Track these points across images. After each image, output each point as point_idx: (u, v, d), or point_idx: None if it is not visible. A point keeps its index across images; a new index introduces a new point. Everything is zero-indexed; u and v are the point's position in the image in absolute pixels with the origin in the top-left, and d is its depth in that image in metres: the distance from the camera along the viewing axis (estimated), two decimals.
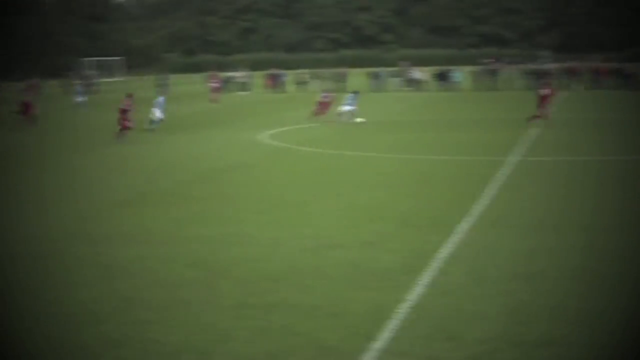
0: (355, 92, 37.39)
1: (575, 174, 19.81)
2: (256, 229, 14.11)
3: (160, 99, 34.92)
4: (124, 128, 29.65)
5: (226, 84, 67.00)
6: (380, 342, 8.41)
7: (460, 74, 64.20)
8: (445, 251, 12.06)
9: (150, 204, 16.98)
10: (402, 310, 9.37)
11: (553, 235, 13.04)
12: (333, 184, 19.03)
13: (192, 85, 74.91)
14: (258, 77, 72.45)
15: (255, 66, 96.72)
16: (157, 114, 33.94)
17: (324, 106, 35.95)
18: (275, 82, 68.43)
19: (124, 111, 29.89)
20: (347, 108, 35.33)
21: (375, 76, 66.36)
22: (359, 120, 34.48)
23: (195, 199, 17.35)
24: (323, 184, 19.01)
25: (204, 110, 46.37)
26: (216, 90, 55.89)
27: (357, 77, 69.78)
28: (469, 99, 52.13)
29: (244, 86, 68.98)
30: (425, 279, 10.62)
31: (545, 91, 32.18)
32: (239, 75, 73.17)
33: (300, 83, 68.69)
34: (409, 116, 38.87)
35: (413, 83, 64.37)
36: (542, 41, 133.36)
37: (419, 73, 65.75)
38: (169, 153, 25.98)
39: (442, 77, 64.26)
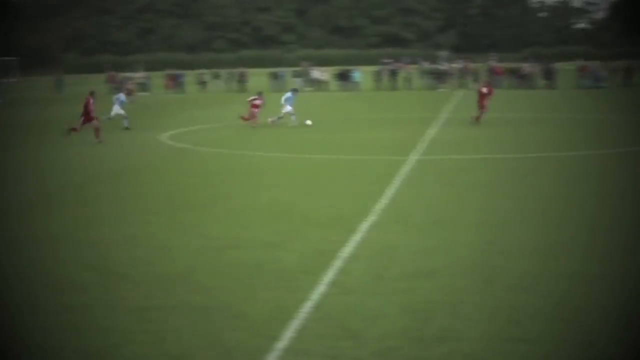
0: (294, 90, 36.18)
1: (472, 171, 20.17)
2: (156, 230, 13.97)
3: (121, 95, 34.71)
4: (87, 125, 28.93)
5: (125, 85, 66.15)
6: (283, 341, 8.41)
7: (360, 74, 64.77)
8: (346, 250, 12.14)
9: (47, 206, 16.64)
10: (305, 309, 9.40)
11: (452, 232, 13.25)
12: (234, 184, 18.96)
13: (95, 86, 73.56)
14: (157, 78, 71.74)
15: (154, 66, 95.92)
16: (117, 110, 33.96)
17: (255, 109, 33.72)
18: (174, 83, 67.89)
19: (88, 109, 28.88)
20: (288, 109, 33.75)
21: (276, 76, 66.44)
22: (308, 122, 33.11)
23: (94, 201, 17.07)
24: (224, 185, 18.93)
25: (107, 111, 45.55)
26: (129, 93, 54.51)
27: (258, 77, 69.80)
28: (370, 98, 52.63)
29: (143, 87, 68.22)
30: (327, 278, 10.67)
31: (484, 89, 32.82)
32: (137, 76, 72.35)
33: (200, 83, 68.31)
34: (310, 116, 38.92)
35: (314, 83, 64.68)
36: (440, 41, 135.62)
37: (320, 73, 66.08)
38: (72, 154, 25.50)
39: (342, 77, 64.75)
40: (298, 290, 10.11)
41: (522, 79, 60.85)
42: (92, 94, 29.74)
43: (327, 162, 22.70)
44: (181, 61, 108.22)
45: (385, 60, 75.84)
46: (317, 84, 64.13)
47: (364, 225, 13.84)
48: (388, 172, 19.95)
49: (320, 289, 10.20)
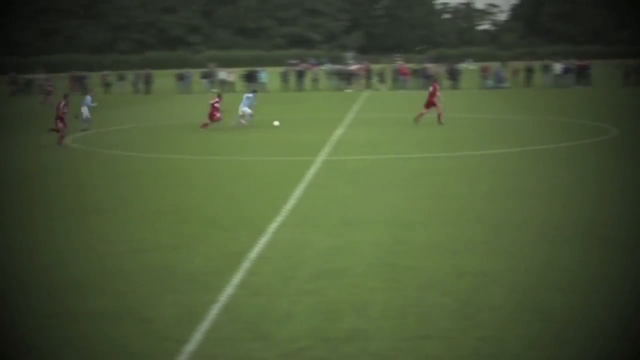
0: (254, 92, 35.43)
1: (379, 171, 20.35)
2: (62, 235, 13.71)
3: (88, 98, 33.82)
4: (59, 130, 27.61)
5: (28, 87, 64.88)
6: (191, 345, 8.36)
7: (267, 75, 64.70)
8: (255, 251, 12.12)
9: None
10: (213, 312, 9.35)
11: (360, 232, 13.35)
12: (141, 187, 18.75)
13: None
14: (60, 79, 70.41)
15: (57, 68, 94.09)
16: (86, 112, 32.98)
17: (217, 110, 32.22)
18: (78, 84, 66.67)
19: (62, 113, 27.56)
20: (247, 110, 32.90)
21: (182, 78, 65.91)
22: (276, 123, 32.19)
23: None
24: (131, 188, 18.69)
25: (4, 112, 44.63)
26: (49, 93, 52.91)
27: (163, 78, 69.14)
28: (277, 99, 52.57)
29: (42, 89, 66.76)
30: (235, 280, 10.64)
31: (431, 89, 33.11)
32: (39, 77, 70.83)
33: (105, 85, 67.30)
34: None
35: (221, 84, 64.33)
36: (346, 42, 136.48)
37: (227, 74, 65.78)
38: None
39: (249, 78, 64.54)
40: (206, 293, 10.06)
41: (427, 80, 61.64)
42: (65, 96, 28.78)
43: (236, 164, 22.61)
44: (85, 62, 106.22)
45: (292, 61, 75.95)
46: (224, 85, 63.78)
47: (273, 226, 13.84)
48: (296, 173, 19.97)
49: (229, 290, 10.16)
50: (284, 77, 65.35)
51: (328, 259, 11.68)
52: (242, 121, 32.68)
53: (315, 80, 64.57)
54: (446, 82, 61.11)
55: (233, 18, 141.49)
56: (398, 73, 63.44)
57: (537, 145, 24.81)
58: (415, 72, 63.32)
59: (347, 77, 63.53)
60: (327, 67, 71.85)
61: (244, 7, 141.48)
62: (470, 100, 48.35)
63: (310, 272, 10.99)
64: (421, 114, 32.35)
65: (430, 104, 32.35)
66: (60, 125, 27.58)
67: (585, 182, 18.24)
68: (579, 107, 40.10)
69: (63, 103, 27.93)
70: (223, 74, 65.79)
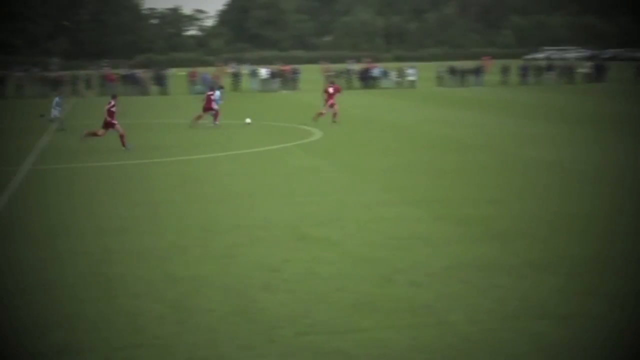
0: (221, 88, 35.01)
1: (86, 180, 19.95)
2: None
3: (57, 98, 32.35)
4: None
5: None
6: None
7: None
8: None
9: None
10: None
11: (67, 242, 12.99)
12: None
13: None
14: None
15: None
16: (56, 112, 31.58)
17: (213, 103, 32.45)
18: None
19: (111, 113, 25.33)
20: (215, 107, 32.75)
21: None
22: (248, 121, 32.70)
23: None
24: None
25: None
26: None
27: None
28: None
29: None
30: None
31: (330, 89, 33.42)
32: None
33: None
34: None
35: None
36: (50, 48, 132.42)
37: None
38: None
39: None
40: None
41: (136, 84, 61.13)
42: (114, 97, 25.92)
43: None
44: None
45: None
46: None
47: None
48: None
49: None
50: None
51: (35, 271, 11.26)
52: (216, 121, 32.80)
53: (19, 87, 62.00)
54: (154, 88, 60.95)
55: None
56: (105, 79, 62.37)
57: (246, 149, 25.28)
58: (123, 78, 62.58)
59: (52, 84, 61.55)
60: (35, 73, 69.17)
61: None
62: (180, 105, 48.42)
63: (15, 286, 10.54)
64: (320, 114, 33.02)
65: (330, 104, 32.90)
66: (114, 127, 25.74)
67: (292, 183, 18.78)
68: (285, 110, 41.28)
69: (112, 103, 25.49)
70: None
